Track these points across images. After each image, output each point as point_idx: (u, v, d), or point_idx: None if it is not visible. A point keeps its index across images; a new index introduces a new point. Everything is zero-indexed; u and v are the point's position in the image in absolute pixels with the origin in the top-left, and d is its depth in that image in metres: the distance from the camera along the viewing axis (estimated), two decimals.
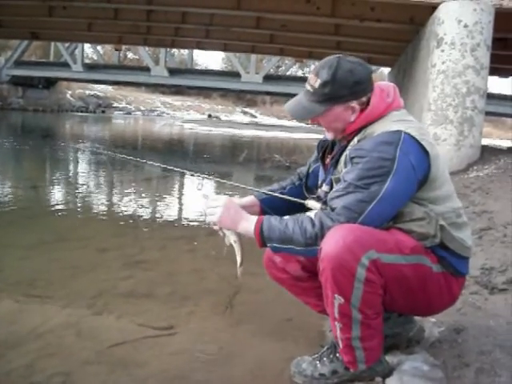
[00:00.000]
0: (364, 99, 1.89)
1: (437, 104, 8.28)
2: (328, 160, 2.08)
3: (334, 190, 1.88)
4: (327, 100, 1.88)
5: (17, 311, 2.64)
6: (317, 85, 1.88)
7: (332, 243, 1.72)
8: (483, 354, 2.02)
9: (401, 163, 1.75)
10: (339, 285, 1.74)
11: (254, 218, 1.92)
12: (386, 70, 20.38)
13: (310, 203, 2.06)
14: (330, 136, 2.02)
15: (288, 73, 40.15)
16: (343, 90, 1.86)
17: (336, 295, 1.76)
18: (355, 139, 1.89)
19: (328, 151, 2.11)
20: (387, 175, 1.74)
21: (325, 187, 2.03)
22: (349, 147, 1.89)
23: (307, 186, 2.23)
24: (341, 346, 1.88)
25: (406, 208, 1.82)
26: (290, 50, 18.99)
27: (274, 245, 1.86)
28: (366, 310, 1.78)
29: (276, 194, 2.22)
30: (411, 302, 1.90)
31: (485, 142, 10.01)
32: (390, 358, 2.02)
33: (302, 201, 2.10)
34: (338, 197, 1.80)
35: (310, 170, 2.24)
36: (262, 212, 2.17)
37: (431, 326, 2.30)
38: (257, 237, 1.88)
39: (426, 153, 1.81)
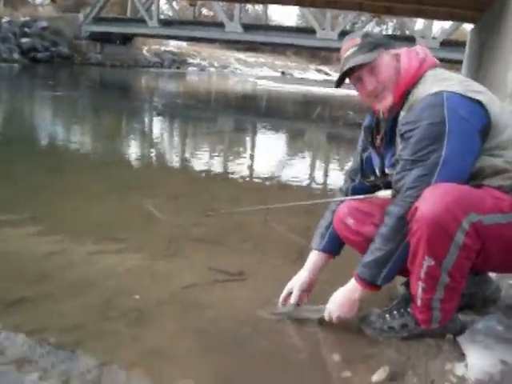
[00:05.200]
0: (395, 51, 1.94)
1: None
2: (378, 141, 2.03)
3: (395, 172, 1.83)
4: (375, 47, 1.90)
5: (95, 252, 2.75)
6: (358, 41, 1.91)
7: (430, 204, 1.66)
8: None
9: (452, 121, 1.69)
10: (433, 247, 1.68)
11: (352, 284, 1.95)
12: (469, 28, 19.36)
13: (380, 194, 1.94)
14: (378, 106, 1.96)
15: (364, 30, 39.01)
16: (380, 39, 1.95)
17: (427, 257, 1.70)
18: (401, 113, 1.86)
19: (375, 133, 2.07)
20: (441, 139, 1.69)
21: (388, 170, 1.99)
22: (398, 124, 1.86)
23: (364, 174, 2.14)
24: (419, 304, 1.83)
25: (485, 162, 1.74)
26: (369, 5, 18.38)
27: (383, 276, 1.85)
28: (456, 273, 1.72)
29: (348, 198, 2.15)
30: (505, 261, 1.80)
31: None
32: (464, 317, 1.96)
33: (371, 195, 1.99)
34: (400, 179, 1.78)
35: (364, 158, 2.15)
36: (332, 254, 2.22)
37: (508, 286, 2.22)
38: (369, 288, 1.90)
39: (477, 102, 1.73)
